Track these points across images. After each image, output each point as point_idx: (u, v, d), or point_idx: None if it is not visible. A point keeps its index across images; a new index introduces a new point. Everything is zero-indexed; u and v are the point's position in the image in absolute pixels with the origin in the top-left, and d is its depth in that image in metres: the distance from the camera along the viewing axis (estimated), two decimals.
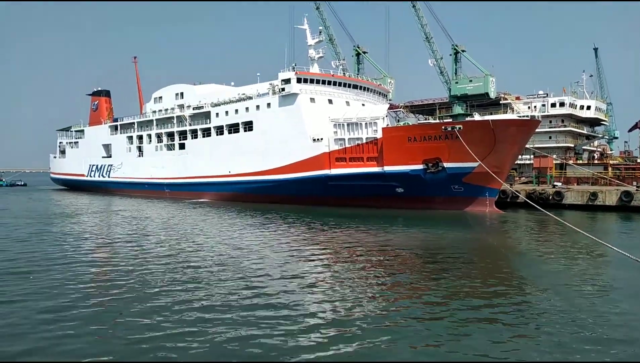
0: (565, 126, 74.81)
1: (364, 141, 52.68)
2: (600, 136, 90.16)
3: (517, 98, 79.58)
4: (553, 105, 74.85)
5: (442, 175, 49.33)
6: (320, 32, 66.00)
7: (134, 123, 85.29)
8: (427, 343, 13.53)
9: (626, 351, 12.99)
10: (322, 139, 54.91)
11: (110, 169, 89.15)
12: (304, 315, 15.77)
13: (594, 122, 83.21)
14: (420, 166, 49.86)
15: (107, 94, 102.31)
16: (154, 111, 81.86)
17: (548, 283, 20.37)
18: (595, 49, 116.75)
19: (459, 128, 47.52)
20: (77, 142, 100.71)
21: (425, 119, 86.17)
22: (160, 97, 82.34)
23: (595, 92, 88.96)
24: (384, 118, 53.12)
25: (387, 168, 51.19)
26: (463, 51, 78.89)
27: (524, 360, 12.54)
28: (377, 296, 18.20)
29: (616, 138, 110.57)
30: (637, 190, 49.59)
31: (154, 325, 14.75)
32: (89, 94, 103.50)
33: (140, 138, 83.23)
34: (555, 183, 58.60)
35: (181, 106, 76.52)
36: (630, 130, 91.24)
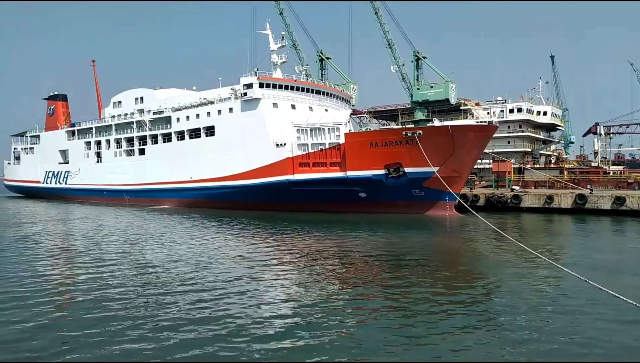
0: (522, 131, 76.99)
1: (327, 146, 52.68)
2: (556, 140, 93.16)
3: (477, 104, 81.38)
4: (511, 111, 76.91)
5: (403, 180, 49.82)
6: (283, 37, 65.66)
7: (92, 128, 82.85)
8: (392, 347, 13.52)
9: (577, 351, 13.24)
10: (285, 144, 54.61)
11: (68, 175, 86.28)
12: (264, 324, 15.48)
13: (550, 128, 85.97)
14: (382, 171, 50.23)
15: (63, 98, 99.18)
16: (113, 116, 79.72)
17: (504, 283, 20.83)
18: (552, 57, 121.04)
19: (419, 134, 48.14)
20: (33, 148, 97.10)
21: (385, 125, 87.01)
22: (120, 102, 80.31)
23: (551, 98, 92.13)
24: (346, 123, 53.25)
25: (350, 173, 51.34)
26: (424, 57, 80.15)
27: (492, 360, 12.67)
28: (342, 301, 18.09)
29: (572, 142, 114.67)
30: (590, 193, 51.29)
31: (113, 333, 14.15)
32: (45, 99, 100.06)
33: (98, 143, 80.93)
34: (514, 187, 60.12)
35: (141, 111, 74.80)
36: (584, 135, 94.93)
